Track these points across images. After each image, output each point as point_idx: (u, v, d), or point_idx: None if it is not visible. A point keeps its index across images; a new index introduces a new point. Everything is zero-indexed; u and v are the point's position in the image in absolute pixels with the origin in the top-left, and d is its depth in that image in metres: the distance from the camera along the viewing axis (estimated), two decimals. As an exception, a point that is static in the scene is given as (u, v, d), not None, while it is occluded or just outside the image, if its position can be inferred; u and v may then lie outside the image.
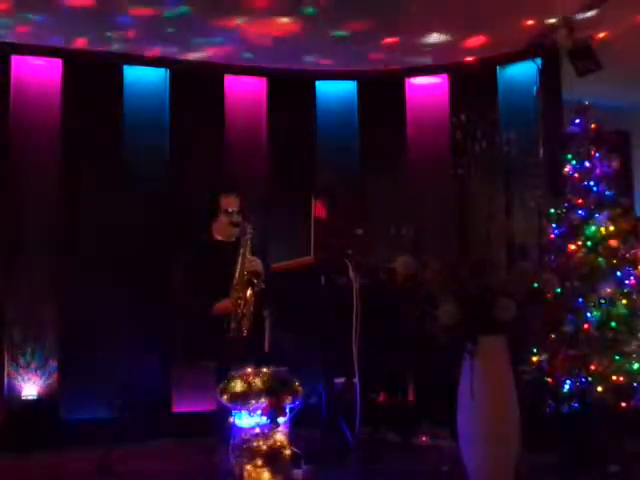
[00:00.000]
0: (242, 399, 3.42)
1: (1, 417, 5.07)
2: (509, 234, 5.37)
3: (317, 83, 6.08)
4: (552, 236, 4.75)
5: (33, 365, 5.23)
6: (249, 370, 3.50)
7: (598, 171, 4.76)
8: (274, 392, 3.43)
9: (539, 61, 5.62)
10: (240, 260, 4.31)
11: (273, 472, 3.35)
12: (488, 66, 5.88)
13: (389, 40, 5.48)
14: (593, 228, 4.63)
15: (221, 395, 3.47)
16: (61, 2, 4.71)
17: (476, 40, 5.51)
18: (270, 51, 5.58)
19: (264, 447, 3.36)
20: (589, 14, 5.02)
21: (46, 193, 5.40)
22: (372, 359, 4.47)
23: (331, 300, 4.50)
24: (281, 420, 3.42)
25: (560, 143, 5.07)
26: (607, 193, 4.72)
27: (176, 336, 4.62)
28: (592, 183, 4.74)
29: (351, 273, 4.34)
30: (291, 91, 6.00)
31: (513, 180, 5.73)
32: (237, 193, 4.71)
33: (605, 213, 4.65)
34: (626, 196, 5.00)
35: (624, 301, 4.48)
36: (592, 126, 4.82)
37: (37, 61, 5.47)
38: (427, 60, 5.91)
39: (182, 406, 5.42)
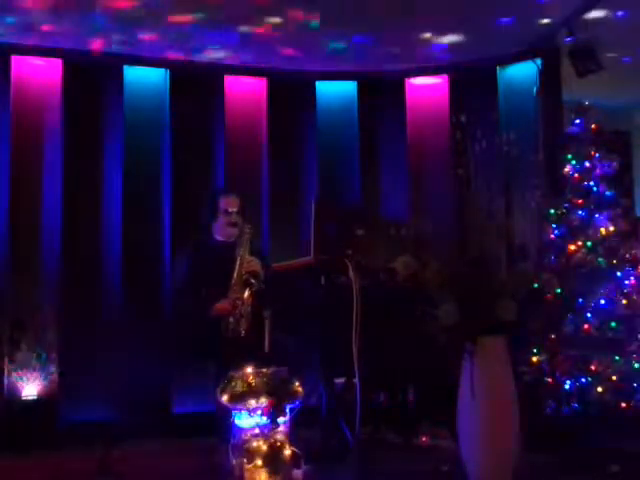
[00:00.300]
0: (242, 399, 3.42)
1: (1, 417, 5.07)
2: (509, 234, 5.37)
3: (317, 83, 6.08)
4: (552, 236, 4.75)
5: (33, 365, 5.22)
6: (249, 370, 3.49)
7: (598, 171, 4.76)
8: (274, 392, 3.43)
9: (539, 61, 5.63)
10: (238, 260, 4.32)
11: (273, 472, 3.34)
12: (488, 66, 5.88)
13: (388, 40, 5.48)
14: (593, 228, 4.63)
15: (221, 395, 3.47)
16: (61, 2, 4.71)
17: (476, 40, 5.52)
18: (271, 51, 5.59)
19: (264, 447, 3.36)
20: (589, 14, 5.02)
21: (46, 193, 5.40)
22: (372, 359, 4.46)
23: (331, 300, 4.50)
24: (281, 420, 3.42)
25: (560, 143, 5.07)
26: (607, 193, 4.72)
27: (176, 336, 4.62)
28: (592, 183, 4.74)
29: (351, 273, 4.34)
30: (291, 91, 6.00)
31: (513, 180, 5.73)
32: (237, 193, 4.72)
33: (605, 213, 4.66)
34: (626, 196, 5.01)
35: (624, 301, 4.48)
36: (592, 126, 4.82)
37: (37, 61, 5.47)
38: (427, 61, 5.92)
39: (182, 406, 5.42)
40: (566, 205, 4.77)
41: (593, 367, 4.34)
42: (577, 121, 4.85)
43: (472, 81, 5.92)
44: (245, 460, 3.37)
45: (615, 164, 4.78)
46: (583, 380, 4.33)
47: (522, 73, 5.80)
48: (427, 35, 5.42)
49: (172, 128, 5.67)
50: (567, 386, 4.36)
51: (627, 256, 4.62)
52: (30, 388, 5.19)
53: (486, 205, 4.94)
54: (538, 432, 4.08)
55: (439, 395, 4.57)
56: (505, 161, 5.70)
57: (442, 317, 3.51)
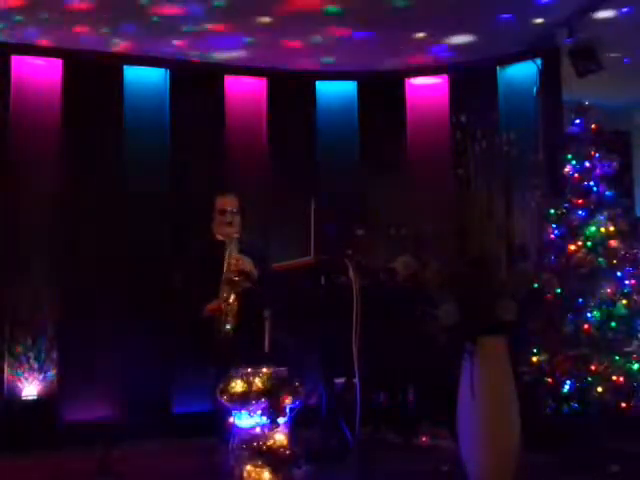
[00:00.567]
0: (242, 399, 3.41)
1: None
2: (509, 234, 5.38)
3: (317, 83, 6.08)
4: (552, 236, 4.75)
5: (33, 365, 5.23)
6: (249, 370, 3.49)
7: (598, 171, 4.76)
8: (274, 392, 3.42)
9: (539, 61, 5.63)
10: (225, 260, 4.31)
11: (273, 472, 3.34)
12: (488, 66, 5.88)
13: (387, 39, 5.48)
14: (593, 228, 4.63)
15: (221, 395, 3.46)
16: (62, 2, 4.71)
17: (476, 40, 5.52)
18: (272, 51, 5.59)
19: (264, 447, 3.36)
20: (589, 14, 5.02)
21: (46, 193, 5.40)
22: (372, 359, 4.46)
23: (331, 300, 4.50)
24: (281, 420, 3.42)
25: (560, 143, 5.07)
26: (607, 193, 4.72)
27: (176, 336, 4.62)
28: (592, 183, 4.74)
29: (351, 273, 4.34)
30: (291, 91, 6.00)
31: (513, 180, 5.73)
32: (235, 193, 4.72)
33: (605, 213, 4.66)
34: (626, 196, 5.01)
35: (624, 301, 4.49)
36: (592, 126, 4.82)
37: (37, 61, 5.47)
38: (427, 60, 5.91)
39: (182, 406, 5.42)
40: (566, 205, 4.77)
41: (593, 367, 4.34)
42: (577, 121, 4.85)
43: (472, 81, 5.92)
44: (245, 460, 3.37)
45: (615, 164, 4.78)
46: (583, 380, 4.33)
47: (522, 73, 5.80)
48: (427, 35, 5.42)
49: (172, 128, 5.67)
50: (567, 386, 4.36)
51: (627, 256, 4.61)
52: (30, 388, 5.19)
53: (486, 205, 4.96)
54: (538, 432, 4.07)
55: (439, 395, 4.57)
56: (505, 161, 5.71)
57: (442, 317, 3.51)
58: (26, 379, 5.19)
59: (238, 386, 3.43)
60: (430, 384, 4.92)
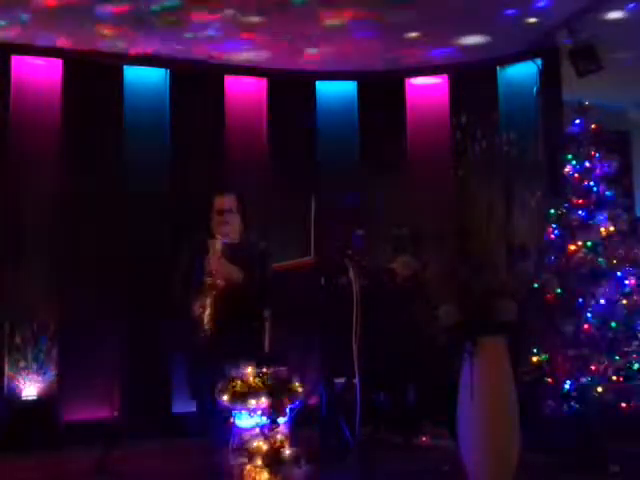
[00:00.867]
0: (242, 399, 3.41)
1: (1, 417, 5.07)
2: (509, 234, 5.37)
3: (317, 83, 6.08)
4: (552, 236, 4.75)
5: (33, 365, 5.23)
6: (249, 370, 3.49)
7: (598, 171, 4.75)
8: (274, 392, 3.42)
9: (539, 61, 5.63)
10: (207, 260, 4.33)
11: (273, 472, 3.34)
12: (488, 66, 5.88)
13: (386, 39, 5.48)
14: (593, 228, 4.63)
15: (221, 395, 3.46)
16: (61, 2, 4.71)
17: (476, 40, 5.52)
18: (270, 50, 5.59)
19: (264, 447, 3.36)
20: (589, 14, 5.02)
21: (46, 193, 5.40)
22: (372, 359, 4.46)
23: (331, 300, 4.50)
24: (281, 420, 3.42)
25: (560, 143, 5.07)
26: (607, 193, 4.72)
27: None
28: (592, 183, 4.74)
29: (351, 273, 4.34)
30: (291, 91, 6.00)
31: (513, 180, 5.73)
32: (232, 193, 4.73)
33: (605, 213, 4.66)
34: (626, 196, 5.00)
35: (624, 301, 4.48)
36: (592, 126, 4.82)
37: (37, 61, 5.47)
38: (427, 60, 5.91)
39: (182, 406, 5.41)
40: (566, 205, 4.76)
41: (593, 367, 4.33)
42: (577, 121, 4.85)
43: (472, 81, 5.92)
44: (245, 460, 3.37)
45: (615, 164, 4.78)
46: (583, 380, 4.33)
47: (522, 73, 5.80)
48: (427, 35, 5.42)
49: (172, 128, 5.67)
50: (567, 386, 4.36)
51: (627, 256, 4.61)
52: (30, 388, 5.19)
53: (486, 205, 4.95)
54: (538, 432, 4.07)
55: (439, 395, 4.57)
56: (505, 161, 5.71)
57: (442, 317, 3.51)
58: (26, 379, 5.19)
59: (238, 386, 3.43)
60: (430, 384, 4.92)
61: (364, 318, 4.22)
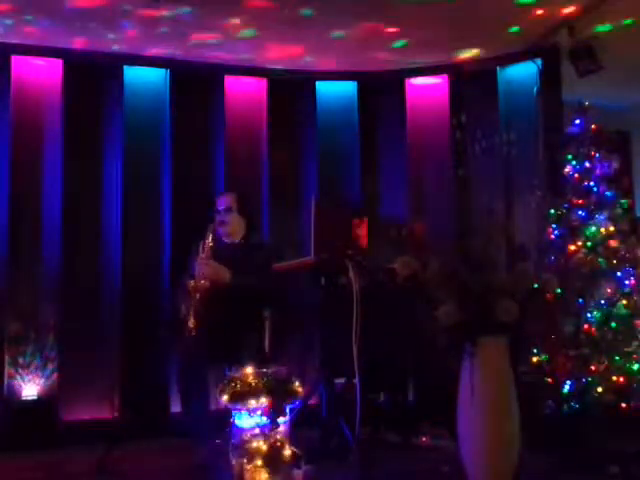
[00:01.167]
0: (242, 399, 3.41)
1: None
2: (509, 234, 5.36)
3: (317, 83, 6.08)
4: (552, 236, 4.75)
5: (33, 365, 5.22)
6: (249, 370, 3.50)
7: (598, 171, 4.75)
8: (274, 392, 3.43)
9: (539, 61, 5.62)
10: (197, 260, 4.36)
11: (273, 472, 3.34)
12: (488, 66, 5.88)
13: (389, 38, 5.48)
14: (593, 228, 4.63)
15: (221, 395, 3.47)
16: (62, 2, 4.71)
17: (475, 40, 5.52)
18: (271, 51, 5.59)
19: (264, 447, 3.36)
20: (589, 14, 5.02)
21: (46, 193, 5.40)
22: (372, 359, 4.46)
23: (331, 300, 4.50)
24: (281, 420, 3.42)
25: (560, 143, 5.07)
26: (607, 193, 4.72)
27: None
28: (592, 183, 4.74)
29: (351, 273, 4.34)
30: (291, 91, 6.00)
31: (513, 180, 5.73)
32: (231, 193, 4.77)
33: (605, 213, 4.66)
34: (626, 196, 5.00)
35: (624, 301, 4.48)
36: (592, 126, 4.82)
37: (37, 61, 5.47)
38: (427, 60, 5.91)
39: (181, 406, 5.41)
40: (566, 205, 4.76)
41: (593, 367, 4.33)
42: (577, 121, 4.85)
43: (472, 81, 5.92)
44: (245, 460, 3.37)
45: (615, 164, 4.78)
46: (583, 380, 4.33)
47: (522, 73, 5.79)
48: (426, 35, 5.41)
49: (172, 128, 5.67)
50: (567, 386, 4.36)
51: (627, 256, 4.61)
52: (30, 388, 5.19)
53: (486, 205, 4.95)
54: (538, 432, 4.07)
55: (439, 395, 4.57)
56: (505, 161, 5.71)
57: (442, 317, 3.50)
58: (26, 379, 5.19)
59: (238, 386, 3.44)
60: (430, 384, 4.93)
61: (364, 318, 4.22)
